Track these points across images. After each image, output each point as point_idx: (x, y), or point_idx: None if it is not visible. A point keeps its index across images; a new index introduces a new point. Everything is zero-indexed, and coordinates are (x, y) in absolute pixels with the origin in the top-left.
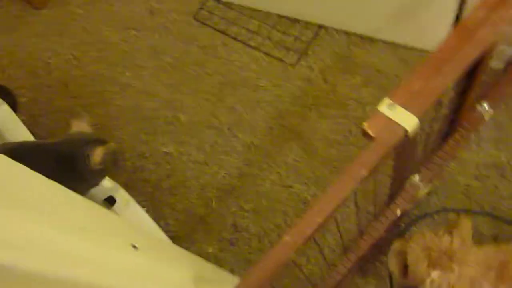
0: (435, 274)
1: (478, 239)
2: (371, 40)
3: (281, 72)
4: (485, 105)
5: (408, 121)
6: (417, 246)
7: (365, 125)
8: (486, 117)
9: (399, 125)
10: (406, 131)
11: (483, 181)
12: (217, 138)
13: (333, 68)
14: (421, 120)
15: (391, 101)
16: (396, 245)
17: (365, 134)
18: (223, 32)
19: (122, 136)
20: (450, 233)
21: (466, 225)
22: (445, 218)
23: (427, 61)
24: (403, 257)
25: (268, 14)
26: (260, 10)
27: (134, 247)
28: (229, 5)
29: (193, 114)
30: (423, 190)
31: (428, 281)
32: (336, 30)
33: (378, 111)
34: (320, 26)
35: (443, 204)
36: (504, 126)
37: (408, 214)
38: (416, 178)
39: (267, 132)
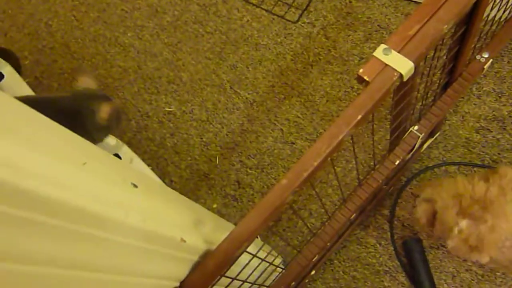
0: (463, 223)
1: None
2: None
3: (282, 30)
4: (485, 55)
5: (403, 65)
6: (447, 192)
7: (361, 70)
8: (486, 67)
9: (393, 69)
10: (401, 75)
11: (484, 134)
12: (219, 96)
13: (335, 24)
14: (416, 65)
15: (386, 46)
16: (426, 191)
17: (360, 79)
18: None
19: (126, 96)
20: (487, 180)
21: (506, 172)
22: (445, 171)
23: (423, 6)
24: (431, 204)
25: None
26: None
27: (134, 185)
28: None
29: (195, 73)
30: (424, 143)
31: (455, 230)
32: None
33: (374, 56)
34: None
35: (444, 157)
36: (506, 79)
37: (409, 168)
38: (415, 128)
39: (269, 90)
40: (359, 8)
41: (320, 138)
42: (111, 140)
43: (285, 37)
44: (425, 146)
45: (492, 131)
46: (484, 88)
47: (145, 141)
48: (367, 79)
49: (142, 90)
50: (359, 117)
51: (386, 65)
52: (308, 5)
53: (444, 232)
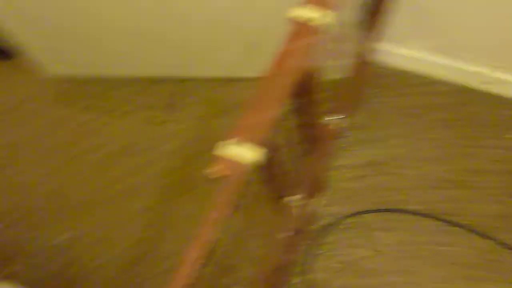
0: None
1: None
2: (232, 80)
3: (159, 131)
4: (336, 116)
5: (251, 153)
6: None
7: (214, 168)
8: (341, 126)
9: (243, 159)
10: (251, 163)
11: (364, 181)
12: (112, 211)
13: (207, 114)
14: (263, 150)
15: (231, 140)
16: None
17: (213, 178)
18: (93, 107)
19: (9, 240)
20: None
21: None
22: (344, 225)
23: (254, 95)
24: None
25: (130, 80)
26: (125, 78)
27: None
28: (90, 80)
29: (82, 195)
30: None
31: None
32: (199, 79)
33: (223, 152)
34: (186, 78)
35: (336, 212)
36: (367, 126)
37: (309, 232)
38: (295, 198)
39: (160, 192)
40: (222, 95)
41: (193, 243)
42: None
43: (161, 138)
44: (316, 206)
45: (370, 176)
46: (353, 140)
47: (45, 278)
48: (219, 176)
49: (28, 226)
50: (223, 212)
51: (236, 157)
52: (175, 103)
53: None
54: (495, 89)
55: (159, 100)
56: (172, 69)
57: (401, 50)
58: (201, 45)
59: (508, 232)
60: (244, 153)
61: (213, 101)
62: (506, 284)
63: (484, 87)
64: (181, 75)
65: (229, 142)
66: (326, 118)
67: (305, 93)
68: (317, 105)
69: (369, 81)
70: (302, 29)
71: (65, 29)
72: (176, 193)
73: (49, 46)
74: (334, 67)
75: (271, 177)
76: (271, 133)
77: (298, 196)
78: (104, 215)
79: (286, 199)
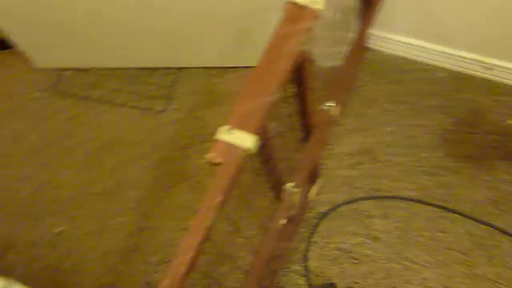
0: None
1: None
2: (226, 69)
3: (153, 121)
4: (329, 104)
5: (247, 140)
6: None
7: (210, 155)
8: (334, 114)
9: (239, 146)
10: (247, 149)
11: (359, 168)
12: (107, 202)
13: (200, 104)
14: (260, 136)
15: (227, 127)
16: None
17: (212, 163)
18: (86, 98)
19: (3, 233)
20: None
21: None
22: (339, 212)
23: (248, 82)
24: None
25: (126, 70)
26: (117, 68)
27: None
28: (86, 71)
29: (76, 186)
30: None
31: None
32: (194, 68)
33: (218, 139)
34: (179, 68)
35: (331, 200)
36: (362, 114)
37: (305, 219)
38: (291, 185)
39: (154, 182)
40: (217, 84)
41: (189, 230)
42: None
43: (157, 128)
44: (311, 194)
45: (365, 163)
46: (347, 127)
47: (40, 270)
48: (217, 161)
49: (22, 218)
50: (219, 199)
51: (232, 144)
52: (171, 93)
53: None
54: (491, 76)
55: (152, 90)
56: (164, 59)
57: (396, 36)
58: (190, 35)
59: (501, 217)
60: (238, 140)
61: (208, 90)
62: (503, 268)
63: (481, 74)
64: (174, 65)
65: (223, 129)
66: (321, 106)
67: (300, 79)
68: (312, 92)
69: (363, 68)
70: (299, 12)
71: (54, 23)
72: (170, 184)
73: (38, 39)
74: (329, 53)
75: (266, 164)
76: (266, 120)
77: (293, 184)
78: (100, 206)
79: (282, 186)
